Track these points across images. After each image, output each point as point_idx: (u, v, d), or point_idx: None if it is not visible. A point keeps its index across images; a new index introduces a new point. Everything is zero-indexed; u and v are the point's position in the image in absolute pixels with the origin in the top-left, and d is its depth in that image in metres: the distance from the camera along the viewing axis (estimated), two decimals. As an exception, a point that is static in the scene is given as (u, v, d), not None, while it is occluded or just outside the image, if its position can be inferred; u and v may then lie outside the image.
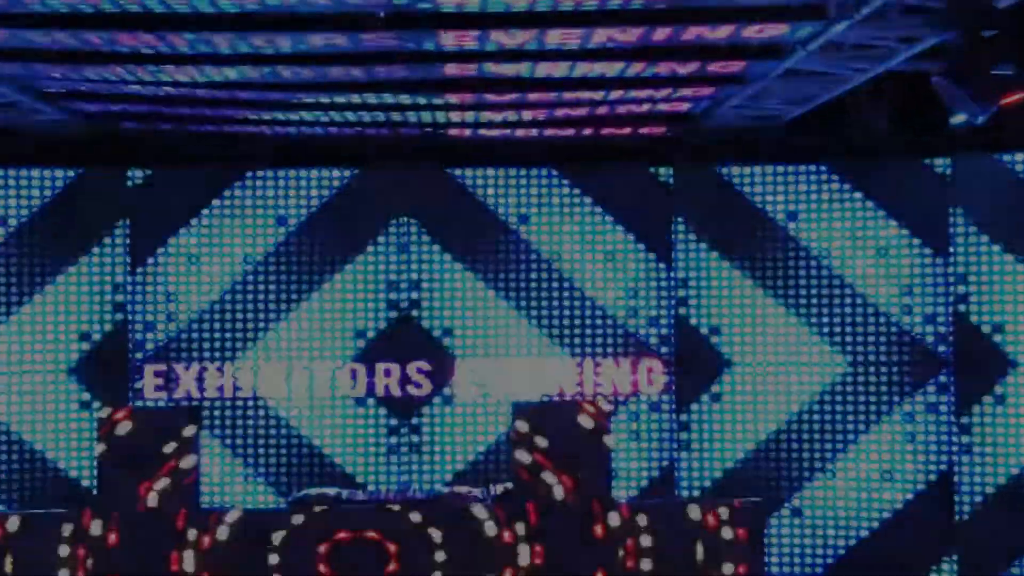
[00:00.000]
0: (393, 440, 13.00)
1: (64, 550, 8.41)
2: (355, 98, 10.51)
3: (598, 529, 8.62)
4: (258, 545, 8.64)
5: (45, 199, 12.51)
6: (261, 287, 12.95)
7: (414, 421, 13.14)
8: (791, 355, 12.91)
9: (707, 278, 13.08)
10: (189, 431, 8.89)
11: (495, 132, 12.52)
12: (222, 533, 8.62)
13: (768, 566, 10.54)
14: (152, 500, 8.62)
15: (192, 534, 8.54)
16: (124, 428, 8.77)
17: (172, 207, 12.76)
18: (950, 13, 7.33)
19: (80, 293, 12.68)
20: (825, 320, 12.78)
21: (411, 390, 13.01)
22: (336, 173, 12.96)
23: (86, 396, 12.56)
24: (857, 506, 12.55)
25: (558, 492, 8.74)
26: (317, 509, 9.11)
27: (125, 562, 8.49)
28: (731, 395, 13.03)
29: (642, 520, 8.79)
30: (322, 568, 8.63)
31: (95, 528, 8.48)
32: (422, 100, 10.60)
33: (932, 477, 12.28)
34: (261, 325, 12.99)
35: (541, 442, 8.89)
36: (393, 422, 13.10)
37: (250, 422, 12.81)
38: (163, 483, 8.68)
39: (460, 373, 13.12)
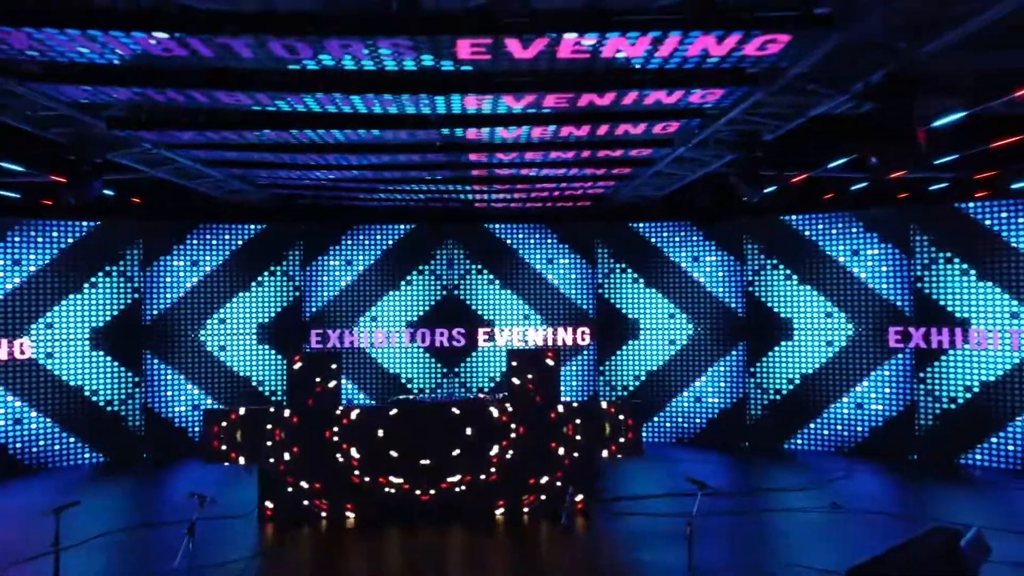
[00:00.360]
0: (444, 369, 12.57)
1: (269, 426, 8.19)
2: (423, 187, 10.22)
3: (552, 415, 8.31)
4: (372, 425, 8.27)
5: (252, 236, 12.17)
6: (370, 284, 12.53)
7: (456, 360, 12.65)
8: (672, 323, 12.44)
9: (616, 279, 12.72)
10: (334, 366, 8.51)
11: (500, 204, 12.23)
12: (352, 418, 8.29)
13: (646, 438, 10.71)
14: (315, 401, 8.29)
15: (336, 419, 8.24)
16: (298, 365, 8.39)
17: (321, 242, 12.44)
18: (738, 143, 7.63)
19: (272, 287, 12.29)
20: (683, 302, 12.36)
21: (454, 344, 12.60)
22: (413, 225, 12.56)
23: (272, 347, 12.23)
24: (696, 410, 12.28)
25: (532, 398, 8.37)
26: (402, 406, 8.66)
27: (301, 434, 8.19)
28: (630, 347, 12.66)
29: (576, 412, 8.46)
30: (405, 436, 8.22)
31: (286, 414, 8.26)
32: (459, 187, 10.26)
33: (739, 395, 12.01)
34: (369, 306, 12.54)
35: (525, 371, 8.45)
36: (443, 360, 12.60)
37: (364, 362, 12.48)
38: (320, 393, 8.31)
39: (480, 333, 12.65)
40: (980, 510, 8.27)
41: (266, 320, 12.35)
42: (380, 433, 8.28)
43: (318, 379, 8.40)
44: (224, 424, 8.29)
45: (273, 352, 12.33)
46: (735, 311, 12.14)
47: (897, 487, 9.71)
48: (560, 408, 8.47)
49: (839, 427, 11.27)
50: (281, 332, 12.32)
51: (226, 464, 8.33)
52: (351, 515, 8.18)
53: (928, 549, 5.75)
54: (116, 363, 11.43)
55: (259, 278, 12.33)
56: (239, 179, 9.46)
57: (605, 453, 8.44)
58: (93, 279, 11.25)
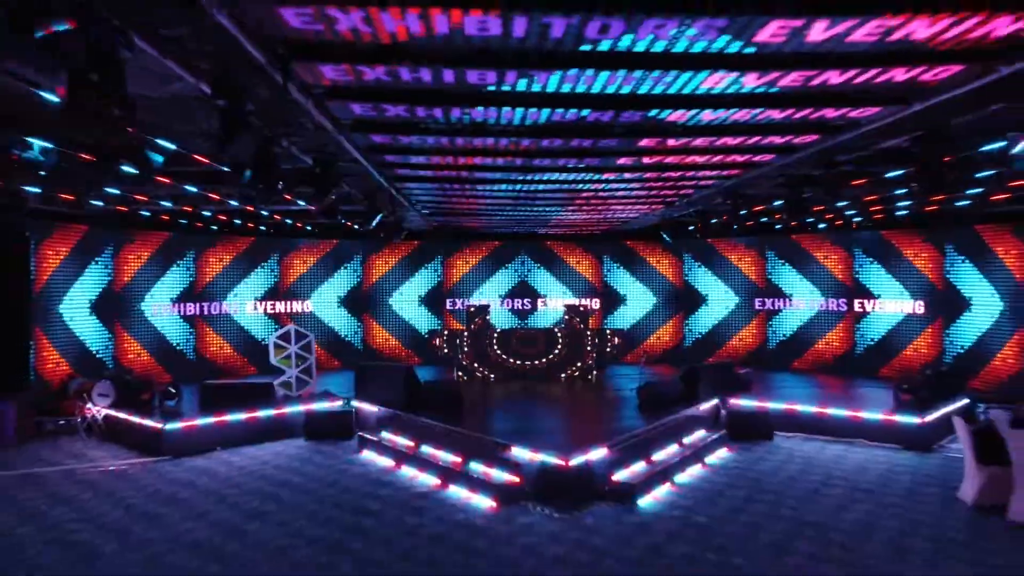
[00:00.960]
0: (517, 320, 22.19)
1: (458, 339, 18.28)
2: (520, 211, 20.15)
3: (583, 335, 18.72)
4: (504, 338, 17.77)
5: (414, 248, 22.07)
6: (478, 273, 22.49)
7: (525, 315, 22.52)
8: (645, 295, 22.81)
9: (622, 268, 22.87)
10: (484, 311, 18.22)
11: (554, 231, 21.25)
12: (495, 335, 18.03)
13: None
14: (475, 326, 18.20)
15: (488, 335, 18.64)
16: (470, 310, 18.94)
17: (452, 249, 22.60)
18: (663, 213, 17.87)
19: (425, 279, 22.16)
20: (651, 284, 22.59)
21: (525, 307, 22.45)
22: (500, 241, 22.19)
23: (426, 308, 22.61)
24: (654, 342, 23.00)
25: (575, 326, 18.32)
26: (516, 330, 18.91)
27: (472, 341, 17.79)
28: (624, 309, 22.52)
29: (595, 334, 18.31)
30: (518, 342, 18.05)
31: (462, 334, 18.65)
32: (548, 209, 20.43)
33: (678, 335, 22.81)
34: (478, 286, 22.30)
35: (573, 314, 18.71)
36: (519, 314, 22.48)
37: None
38: (481, 322, 18.31)
39: (539, 301, 22.44)
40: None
41: (423, 293, 22.55)
42: (507, 341, 18.57)
43: (477, 316, 18.73)
44: (437, 339, 18.71)
45: (425, 311, 22.55)
46: (677, 288, 22.37)
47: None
48: (586, 330, 18.85)
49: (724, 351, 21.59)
50: (431, 300, 22.59)
51: (441, 353, 18.68)
52: (493, 375, 18.45)
53: (719, 367, 16.18)
54: (352, 315, 21.87)
55: (419, 269, 22.42)
56: (423, 216, 19.55)
57: (608, 351, 18.82)
58: (338, 270, 21.68)
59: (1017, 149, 6.05)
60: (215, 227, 18.76)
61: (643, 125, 7.38)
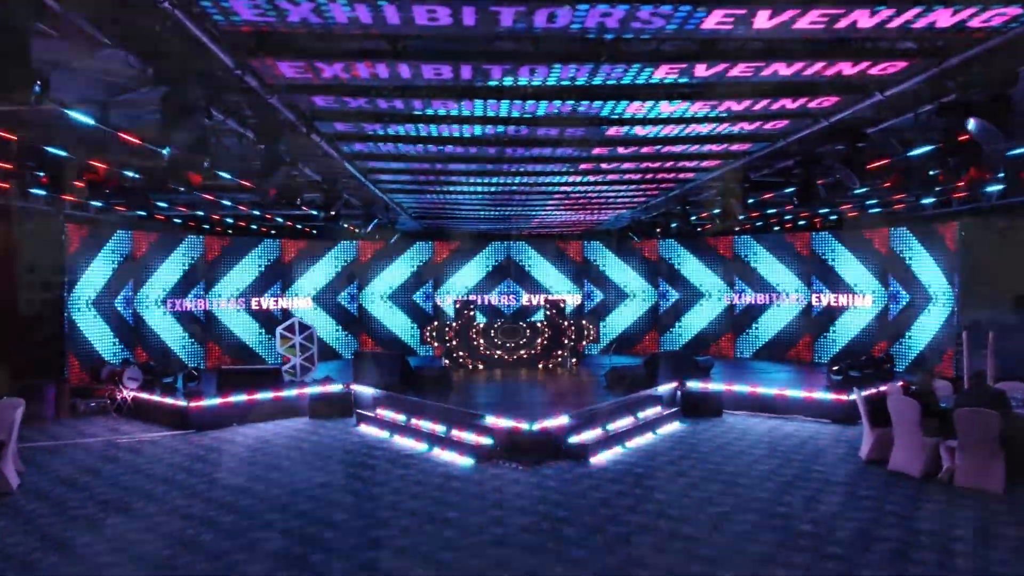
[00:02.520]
0: (502, 314, 25.21)
1: (446, 329, 21.48)
2: (500, 212, 23.01)
3: (561, 325, 21.46)
4: (487, 328, 20.60)
5: (411, 247, 25.38)
6: (454, 267, 25.81)
7: (512, 309, 25.82)
8: (624, 289, 25.96)
9: (598, 266, 26.01)
10: (471, 305, 21.70)
11: (535, 231, 24.82)
12: (479, 326, 21.00)
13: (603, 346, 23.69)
14: (463, 319, 21.50)
15: (472, 325, 21.45)
16: (457, 306, 21.76)
17: (451, 250, 25.67)
18: (632, 216, 20.71)
19: (419, 276, 25.40)
20: (630, 279, 25.68)
21: (511, 301, 25.80)
22: (481, 240, 25.72)
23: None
24: (637, 336, 25.81)
25: (554, 318, 21.47)
26: (499, 322, 21.67)
27: (459, 332, 20.81)
28: (603, 300, 26.13)
29: (573, 324, 21.48)
30: (501, 333, 21.26)
31: (451, 327, 21.51)
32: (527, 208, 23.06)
33: (650, 325, 25.59)
34: (465, 282, 25.82)
35: (552, 307, 21.73)
36: (504, 308, 25.70)
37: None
38: (466, 316, 21.54)
39: (523, 297, 25.79)
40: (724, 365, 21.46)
41: (414, 289, 25.47)
42: (491, 332, 21.46)
43: (465, 310, 21.61)
44: (427, 329, 21.58)
45: (416, 305, 25.48)
46: (653, 285, 25.25)
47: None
48: (564, 324, 21.71)
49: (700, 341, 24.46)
50: (423, 295, 25.53)
51: (430, 345, 21.56)
52: (480, 364, 21.35)
53: (678, 355, 19.06)
54: (333, 317, 24.75)
55: (412, 269, 25.36)
56: (412, 218, 22.45)
57: (584, 342, 21.71)
58: (336, 265, 24.56)
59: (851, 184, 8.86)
60: (219, 228, 21.61)
61: (578, 158, 10.24)
